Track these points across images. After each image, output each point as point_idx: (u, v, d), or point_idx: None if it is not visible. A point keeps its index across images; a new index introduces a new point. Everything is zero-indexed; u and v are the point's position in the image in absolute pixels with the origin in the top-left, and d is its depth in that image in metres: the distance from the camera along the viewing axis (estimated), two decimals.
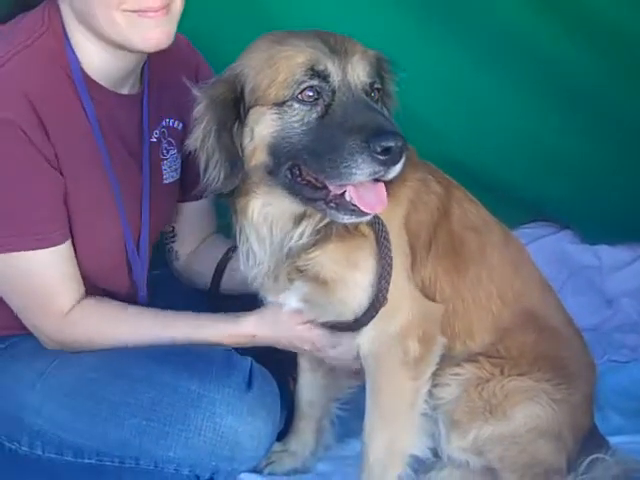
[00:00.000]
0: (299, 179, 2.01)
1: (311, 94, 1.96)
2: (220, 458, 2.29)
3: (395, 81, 2.14)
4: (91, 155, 2.35)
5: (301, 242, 2.12)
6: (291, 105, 1.97)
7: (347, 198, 1.96)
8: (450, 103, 3.55)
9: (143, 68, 2.49)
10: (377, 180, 1.95)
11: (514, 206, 3.66)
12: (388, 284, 2.15)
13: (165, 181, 2.61)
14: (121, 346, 2.39)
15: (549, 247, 3.81)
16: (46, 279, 2.32)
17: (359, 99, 1.95)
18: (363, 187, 1.96)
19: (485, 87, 3.54)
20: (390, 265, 2.14)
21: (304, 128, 1.96)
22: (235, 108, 2.04)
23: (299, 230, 2.12)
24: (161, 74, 2.54)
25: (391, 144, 1.84)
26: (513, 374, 2.27)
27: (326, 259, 2.15)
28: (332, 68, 1.96)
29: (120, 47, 2.30)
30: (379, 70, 2.09)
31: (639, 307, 3.59)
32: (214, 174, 2.05)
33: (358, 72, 1.98)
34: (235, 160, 2.04)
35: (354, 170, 1.87)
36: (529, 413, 2.25)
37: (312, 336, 2.34)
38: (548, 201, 3.81)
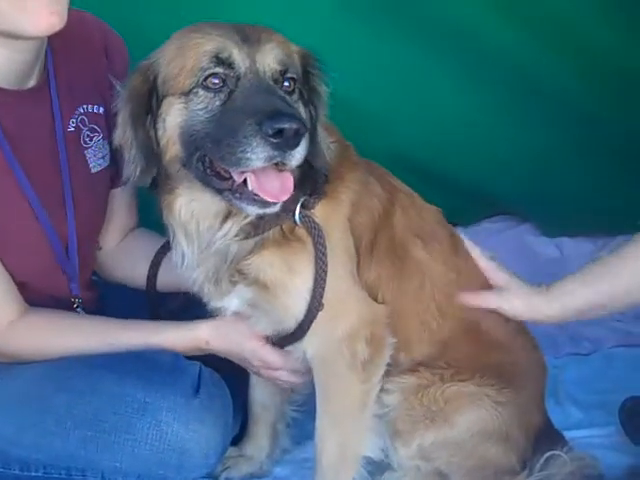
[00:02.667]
0: (209, 170, 1.97)
1: (216, 81, 1.93)
2: (168, 467, 2.24)
3: (324, 80, 2.09)
4: None
5: (229, 241, 2.08)
6: (197, 93, 1.95)
7: (249, 187, 1.92)
8: (406, 99, 3.51)
9: (46, 56, 2.37)
10: (283, 169, 1.91)
11: (474, 201, 3.66)
12: (323, 289, 2.10)
13: (93, 170, 2.51)
14: (68, 354, 2.33)
15: (510, 240, 3.81)
16: None
17: (262, 85, 1.92)
18: (265, 175, 1.91)
19: (438, 81, 3.52)
20: (325, 270, 2.09)
21: (207, 115, 1.93)
22: (149, 100, 2.01)
23: (225, 228, 2.08)
24: (69, 59, 2.40)
25: (284, 126, 1.80)
26: (455, 380, 2.24)
27: (265, 264, 2.11)
28: (238, 55, 1.93)
29: (11, 36, 2.18)
30: (305, 66, 2.06)
31: None
32: (132, 168, 2.03)
33: (268, 60, 1.95)
34: (149, 154, 2.02)
35: (249, 155, 1.83)
36: (472, 417, 2.23)
37: (265, 353, 2.30)
38: (507, 195, 3.80)
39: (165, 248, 2.53)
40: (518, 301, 2.28)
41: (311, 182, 2.12)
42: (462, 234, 2.42)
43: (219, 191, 1.98)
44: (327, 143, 2.13)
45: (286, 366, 2.33)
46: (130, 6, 3.18)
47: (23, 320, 2.35)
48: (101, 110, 2.52)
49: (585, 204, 3.65)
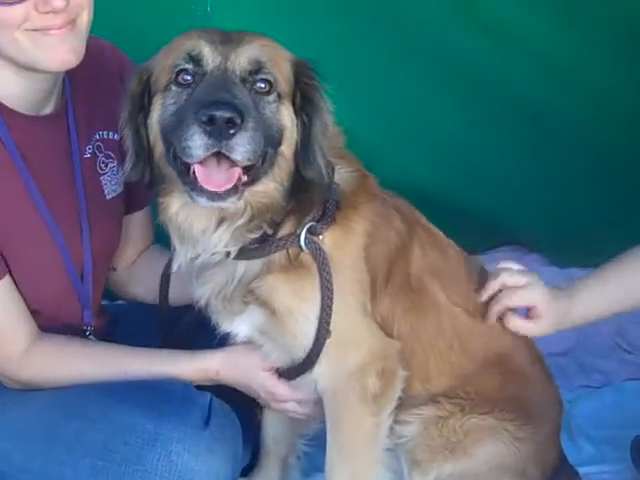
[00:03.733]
0: (182, 166, 1.97)
1: (188, 77, 1.98)
2: None
3: (318, 89, 2.08)
4: (13, 186, 2.27)
5: (224, 248, 2.07)
6: (170, 89, 2.00)
7: (197, 178, 1.93)
8: (410, 129, 3.52)
9: (64, 83, 2.39)
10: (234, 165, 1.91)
11: (482, 230, 3.64)
12: (330, 316, 2.10)
13: (108, 196, 2.52)
14: (81, 382, 2.32)
15: None
16: None
17: (221, 80, 1.93)
18: (210, 167, 1.92)
19: (444, 111, 3.52)
20: (331, 298, 2.09)
21: (174, 109, 1.98)
22: (142, 99, 2.07)
23: (219, 232, 2.06)
24: (86, 86, 2.43)
25: (214, 112, 1.81)
26: (474, 413, 2.23)
27: (271, 289, 2.10)
28: (208, 53, 1.96)
29: (29, 69, 2.21)
30: (297, 74, 2.06)
31: (610, 330, 3.57)
32: (126, 165, 2.10)
33: (239, 59, 1.96)
34: (139, 150, 2.07)
35: (190, 143, 1.86)
36: (491, 451, 2.22)
37: (273, 386, 2.29)
38: (515, 225, 3.79)
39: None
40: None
41: (319, 207, 2.11)
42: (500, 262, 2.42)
43: (184, 184, 1.98)
44: (328, 161, 2.10)
45: (294, 398, 2.32)
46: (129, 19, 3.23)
47: (36, 347, 2.34)
48: (116, 137, 2.49)
49: (595, 234, 3.63)
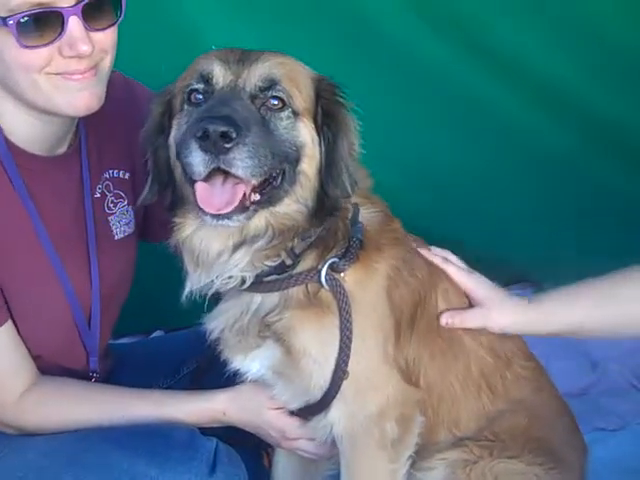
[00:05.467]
0: (193, 184, 1.93)
1: (199, 97, 1.96)
2: None
3: (342, 106, 2.04)
4: (21, 229, 2.22)
5: (240, 273, 2.00)
6: (184, 109, 1.99)
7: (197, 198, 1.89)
8: (416, 168, 3.49)
9: (78, 122, 2.35)
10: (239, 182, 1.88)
11: (492, 269, 3.58)
12: (348, 357, 2.03)
13: (116, 237, 2.45)
14: (81, 427, 2.25)
15: None
16: None
17: (226, 97, 1.90)
18: (213, 186, 1.88)
19: (449, 152, 3.53)
20: (350, 338, 2.03)
21: (185, 127, 1.95)
22: (161, 122, 2.06)
23: (236, 257, 2.00)
24: (98, 124, 2.35)
25: (207, 126, 1.78)
26: (503, 457, 2.17)
27: (288, 326, 2.04)
28: (219, 72, 1.94)
29: (47, 112, 2.16)
30: (318, 91, 2.03)
31: (626, 371, 3.50)
32: (146, 187, 2.09)
33: (251, 77, 1.94)
34: (155, 171, 2.06)
35: (189, 159, 1.84)
36: None
37: (282, 424, 2.23)
38: (526, 263, 3.78)
39: None
40: (503, 318, 2.22)
41: (342, 243, 2.06)
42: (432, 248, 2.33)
43: (195, 203, 1.93)
44: (355, 179, 2.05)
45: (305, 435, 2.26)
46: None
47: (33, 392, 2.27)
48: (127, 175, 2.47)
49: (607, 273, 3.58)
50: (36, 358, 2.30)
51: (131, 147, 2.36)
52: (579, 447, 2.38)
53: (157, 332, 3.84)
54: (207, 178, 1.87)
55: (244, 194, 1.89)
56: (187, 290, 2.11)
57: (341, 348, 2.03)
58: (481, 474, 2.15)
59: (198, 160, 1.82)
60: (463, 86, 3.39)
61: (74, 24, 2.04)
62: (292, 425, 2.23)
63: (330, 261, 2.04)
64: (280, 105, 1.95)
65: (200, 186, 1.88)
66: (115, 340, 2.99)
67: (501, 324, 2.22)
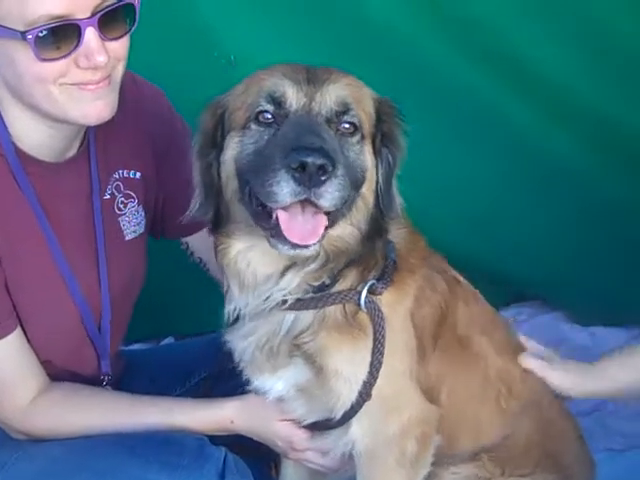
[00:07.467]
0: (260, 208, 1.89)
1: (269, 117, 1.91)
2: None
3: (400, 128, 2.03)
4: (31, 235, 2.22)
5: (289, 295, 1.98)
6: (250, 127, 1.93)
7: (280, 226, 1.84)
8: (429, 184, 3.45)
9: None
10: (318, 212, 1.84)
11: (503, 287, 3.59)
12: (375, 380, 2.03)
13: (127, 237, 2.44)
14: (90, 433, 2.25)
15: (540, 327, 3.73)
16: (0, 374, 2.22)
17: (307, 123, 1.86)
18: (296, 215, 1.84)
19: (464, 164, 3.48)
20: (380, 362, 2.03)
21: (254, 149, 1.91)
22: (215, 134, 2.00)
23: (285, 280, 1.98)
24: (107, 124, 2.27)
25: (306, 159, 1.72)
26: (515, 475, 2.18)
27: (323, 347, 2.02)
28: (291, 94, 1.89)
29: (59, 121, 2.16)
30: (379, 113, 2.01)
31: None
32: (194, 201, 2.03)
33: (326, 100, 1.90)
34: (208, 188, 2.00)
35: (275, 188, 1.77)
36: None
37: (290, 435, 2.23)
38: (536, 282, 3.75)
39: None
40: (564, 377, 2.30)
41: (381, 264, 2.05)
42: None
43: (263, 229, 1.90)
44: (400, 200, 2.05)
45: (313, 447, 2.25)
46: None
47: (43, 398, 2.28)
48: (138, 175, 2.45)
49: (619, 292, 3.57)
50: (46, 363, 2.31)
51: (140, 146, 2.38)
52: (588, 463, 2.38)
53: (168, 339, 3.85)
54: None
55: None
56: (229, 310, 2.10)
57: (371, 372, 2.03)
58: None
59: (287, 190, 1.76)
60: (474, 96, 3.35)
61: (91, 35, 2.03)
62: (300, 437, 2.23)
63: (370, 283, 2.02)
64: (352, 130, 1.93)
65: (283, 215, 1.82)
66: (126, 347, 3.00)
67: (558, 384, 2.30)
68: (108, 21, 2.07)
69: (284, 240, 1.84)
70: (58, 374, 2.34)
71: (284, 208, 1.82)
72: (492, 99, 3.36)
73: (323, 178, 1.76)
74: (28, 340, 2.26)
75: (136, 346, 3.51)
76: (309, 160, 1.73)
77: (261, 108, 1.91)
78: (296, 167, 1.74)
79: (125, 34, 2.14)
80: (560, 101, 3.31)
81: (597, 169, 3.44)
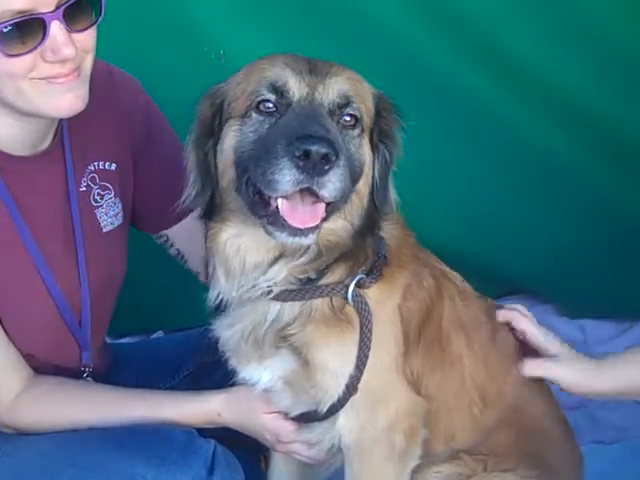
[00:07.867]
0: (257, 196, 1.89)
1: (270, 106, 1.91)
2: None
3: (398, 124, 2.04)
4: (3, 231, 2.21)
5: (274, 286, 1.98)
6: (250, 116, 1.93)
7: (280, 213, 1.83)
8: (424, 181, 3.46)
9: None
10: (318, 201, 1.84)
11: (493, 281, 3.59)
12: (362, 373, 2.04)
13: (105, 229, 2.44)
14: (76, 427, 2.25)
15: None
16: None
17: (310, 113, 1.86)
18: (296, 202, 1.83)
19: (458, 161, 3.50)
20: (367, 355, 2.03)
21: (255, 137, 1.90)
22: (212, 123, 2.00)
23: (273, 270, 1.98)
24: (80, 116, 2.26)
25: (310, 147, 1.73)
26: (497, 470, 2.17)
27: (309, 340, 2.03)
28: (294, 85, 1.89)
29: (30, 115, 2.15)
30: (378, 108, 2.02)
31: None
32: (189, 190, 2.02)
33: (329, 91, 1.90)
34: (205, 176, 1.99)
35: (277, 176, 1.77)
36: None
37: (277, 427, 2.23)
38: (526, 275, 3.75)
39: None
40: (568, 377, 2.25)
41: (371, 259, 2.05)
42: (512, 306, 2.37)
43: (259, 217, 1.90)
44: (395, 196, 2.06)
45: (300, 439, 2.25)
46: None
47: (29, 392, 2.28)
48: (113, 167, 2.45)
49: (609, 286, 3.59)
50: (28, 357, 2.30)
51: (116, 137, 2.37)
52: (575, 459, 2.37)
53: (158, 332, 3.84)
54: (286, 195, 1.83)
55: None
56: (212, 296, 2.10)
57: (357, 366, 2.03)
58: None
59: (289, 178, 1.76)
60: (470, 94, 3.37)
61: (56, 29, 2.02)
62: (287, 429, 2.23)
63: (358, 277, 2.03)
64: (353, 122, 1.94)
65: (285, 201, 1.82)
66: (116, 340, 3.00)
67: (567, 381, 2.25)
68: (73, 13, 2.06)
69: (282, 227, 1.84)
70: (41, 367, 2.33)
71: (284, 197, 1.82)
72: (488, 97, 3.38)
73: (326, 167, 1.76)
74: (8, 335, 2.25)
75: (125, 340, 3.50)
76: (313, 148, 1.73)
77: (263, 97, 1.91)
78: (300, 155, 1.74)
79: (91, 25, 2.13)
80: (556, 100, 3.33)
81: (589, 166, 3.46)
